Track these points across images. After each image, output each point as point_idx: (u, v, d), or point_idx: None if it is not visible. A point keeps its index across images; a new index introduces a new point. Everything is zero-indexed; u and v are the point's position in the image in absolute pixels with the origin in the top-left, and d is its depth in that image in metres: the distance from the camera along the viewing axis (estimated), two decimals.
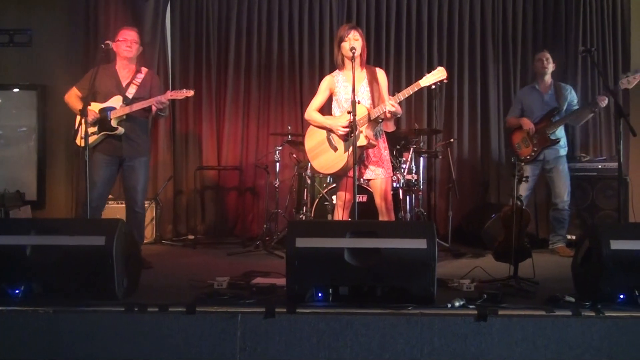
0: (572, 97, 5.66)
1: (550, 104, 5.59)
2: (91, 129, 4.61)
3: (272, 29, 6.78)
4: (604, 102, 5.31)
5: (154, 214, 6.37)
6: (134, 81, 4.84)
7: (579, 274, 3.50)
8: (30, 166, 6.75)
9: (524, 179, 4.11)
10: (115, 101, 4.73)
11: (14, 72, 6.77)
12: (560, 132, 5.58)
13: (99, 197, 4.75)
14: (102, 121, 4.69)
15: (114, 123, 4.70)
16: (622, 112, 4.32)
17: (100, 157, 4.74)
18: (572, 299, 3.24)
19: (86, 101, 4.43)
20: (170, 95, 4.74)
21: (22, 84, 6.76)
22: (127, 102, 4.75)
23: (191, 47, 6.81)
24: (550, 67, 5.64)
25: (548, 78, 5.68)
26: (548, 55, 5.65)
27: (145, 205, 6.21)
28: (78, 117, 4.79)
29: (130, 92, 4.81)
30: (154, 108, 4.74)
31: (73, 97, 4.83)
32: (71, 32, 6.60)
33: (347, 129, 4.05)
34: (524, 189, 5.41)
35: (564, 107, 5.57)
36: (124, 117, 4.73)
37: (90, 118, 4.61)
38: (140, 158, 4.89)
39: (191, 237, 6.63)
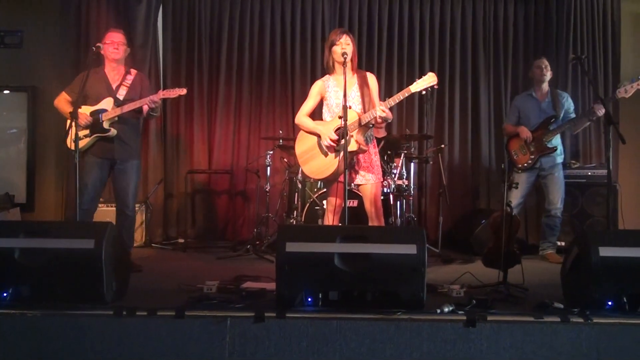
0: (568, 104, 5.64)
1: (548, 111, 5.56)
2: (83, 132, 4.60)
3: (264, 32, 6.79)
4: (601, 110, 5.18)
5: (144, 217, 6.35)
6: (124, 83, 4.83)
7: (567, 280, 3.51)
8: (20, 168, 6.71)
9: (513, 185, 4.13)
10: (107, 103, 4.72)
11: (4, 73, 6.73)
12: (556, 140, 5.55)
13: (91, 200, 4.73)
14: (94, 124, 4.67)
15: (106, 125, 4.69)
16: (612, 120, 4.35)
17: (92, 160, 4.72)
18: (561, 306, 3.25)
19: (76, 104, 4.42)
20: (163, 94, 4.73)
21: (12, 86, 6.72)
22: (118, 103, 4.74)
23: (183, 50, 6.80)
24: (548, 74, 5.61)
25: (545, 85, 5.65)
26: (547, 63, 5.62)
27: (136, 208, 6.24)
28: (69, 120, 4.80)
29: (121, 93, 4.80)
30: (145, 108, 4.74)
31: (63, 102, 4.82)
32: (62, 33, 6.57)
33: (334, 143, 4.09)
34: (516, 196, 5.42)
35: (561, 115, 5.55)
36: (116, 118, 4.72)
37: (83, 122, 4.61)
38: (132, 161, 4.88)
39: (181, 240, 6.59)
